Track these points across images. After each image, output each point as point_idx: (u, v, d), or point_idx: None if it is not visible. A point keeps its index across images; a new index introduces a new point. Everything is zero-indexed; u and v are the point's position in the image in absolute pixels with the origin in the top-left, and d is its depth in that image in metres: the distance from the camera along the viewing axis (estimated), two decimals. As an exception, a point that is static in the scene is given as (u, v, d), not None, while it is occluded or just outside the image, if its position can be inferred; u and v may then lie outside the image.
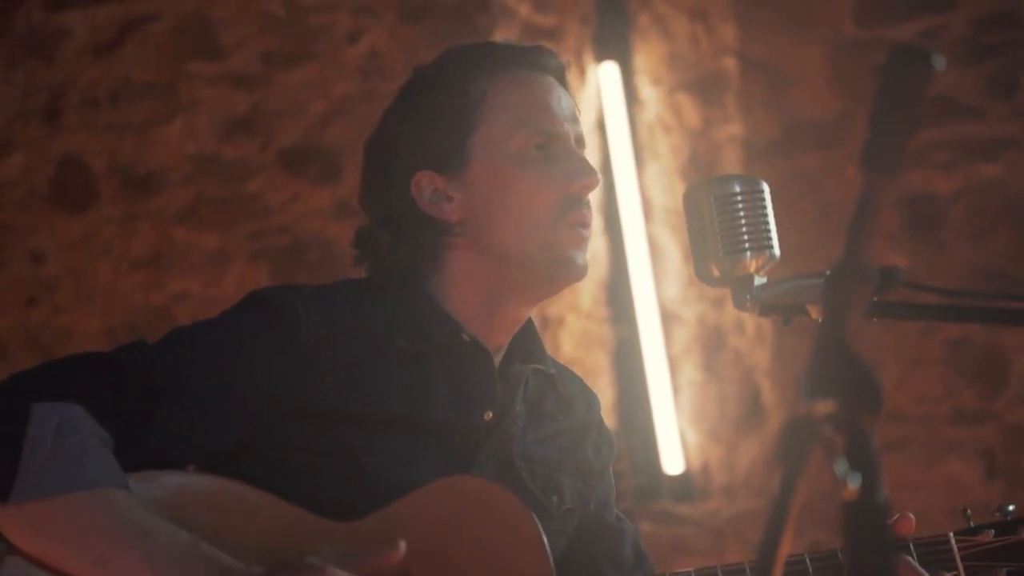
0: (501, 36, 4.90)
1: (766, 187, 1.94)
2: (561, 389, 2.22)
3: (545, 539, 2.00)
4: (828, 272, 1.80)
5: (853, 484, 1.19)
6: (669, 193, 5.02)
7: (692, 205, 1.94)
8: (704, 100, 4.96)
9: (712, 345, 5.00)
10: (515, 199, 2.09)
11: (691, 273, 4.91)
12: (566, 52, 5.05)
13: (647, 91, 5.06)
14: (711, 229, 1.91)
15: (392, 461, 2.02)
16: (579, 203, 2.11)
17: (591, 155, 4.96)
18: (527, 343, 2.20)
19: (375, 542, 1.94)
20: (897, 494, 4.63)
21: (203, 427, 1.97)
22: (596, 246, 5.03)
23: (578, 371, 4.90)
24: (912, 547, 2.09)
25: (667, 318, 5.01)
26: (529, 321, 2.20)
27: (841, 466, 1.19)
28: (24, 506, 1.82)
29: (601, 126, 5.09)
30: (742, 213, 1.91)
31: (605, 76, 5.08)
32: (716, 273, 1.93)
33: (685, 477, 4.97)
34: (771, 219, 1.92)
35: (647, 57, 5.06)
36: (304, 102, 4.88)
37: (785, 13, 4.85)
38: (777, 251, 1.92)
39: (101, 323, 4.88)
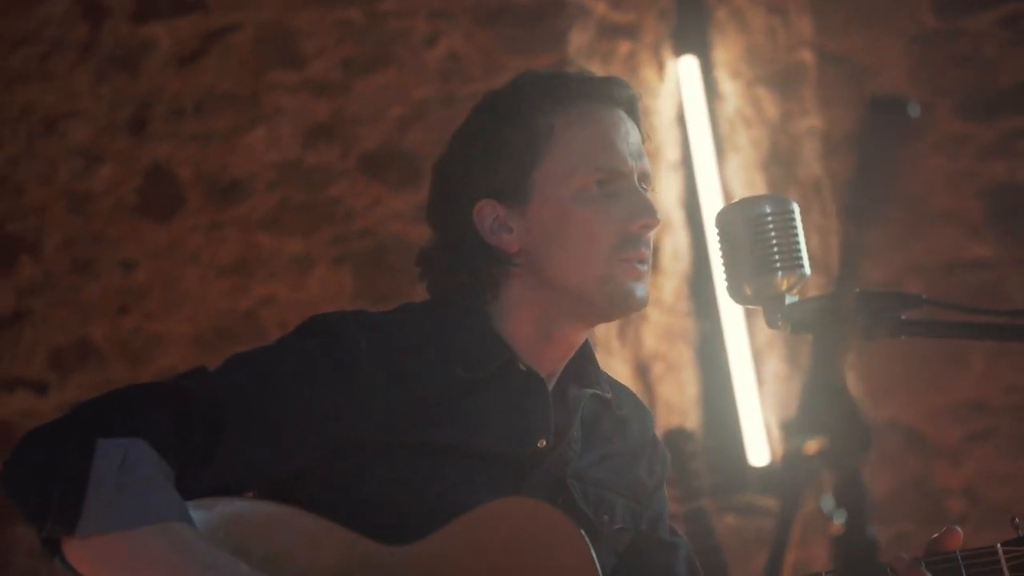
0: (577, 36, 4.92)
1: (796, 207, 1.95)
2: (616, 410, 2.24)
3: (596, 557, 2.02)
4: (858, 291, 1.82)
5: (838, 520, 1.22)
6: (750, 187, 5.01)
7: (724, 226, 1.97)
8: (782, 93, 4.95)
9: (795, 337, 4.98)
10: (574, 236, 2.10)
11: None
12: (644, 48, 5.06)
13: (727, 85, 5.06)
14: (743, 250, 1.93)
15: (448, 487, 2.05)
16: (636, 241, 2.11)
17: (672, 149, 5.03)
18: (583, 365, 2.22)
19: (428, 566, 1.99)
20: (985, 486, 4.61)
21: (265, 455, 2.01)
22: (678, 240, 5.04)
23: (661, 366, 4.98)
24: (960, 558, 2.10)
25: (750, 311, 5.01)
26: (586, 342, 2.22)
27: (827, 503, 1.23)
28: (89, 539, 1.88)
29: (681, 120, 5.10)
30: (773, 234, 1.93)
31: (684, 70, 5.08)
32: (748, 292, 1.95)
33: (770, 469, 4.97)
34: (801, 238, 1.94)
35: (726, 51, 5.05)
36: (383, 107, 4.93)
37: (862, 5, 4.81)
38: (808, 270, 1.94)
39: (190, 329, 4.98)
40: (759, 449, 4.97)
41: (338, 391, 2.02)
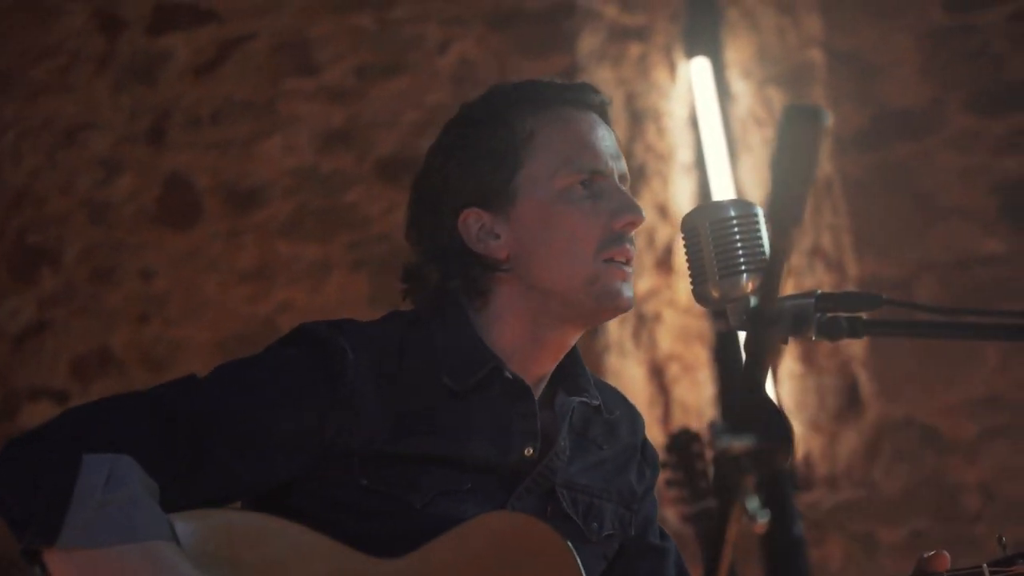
0: (588, 40, 4.96)
1: (760, 210, 1.97)
2: (606, 415, 2.26)
3: (581, 565, 2.02)
4: (818, 292, 1.84)
5: (762, 519, 1.25)
6: (763, 187, 5.04)
7: (689, 231, 1.98)
8: (793, 92, 4.97)
9: (810, 336, 5.00)
10: (560, 236, 2.13)
11: (788, 266, 4.94)
12: (655, 50, 5.10)
13: (738, 85, 5.09)
14: (708, 253, 1.95)
15: (435, 498, 2.06)
16: (621, 239, 2.13)
17: (685, 151, 5.06)
18: (572, 372, 2.23)
19: None
20: (1001, 482, 4.62)
21: (250, 468, 2.02)
22: (693, 241, 5.06)
23: (677, 367, 5.01)
24: None
25: (765, 310, 5.02)
26: (574, 349, 2.23)
27: (752, 503, 1.26)
28: (72, 553, 1.89)
29: (694, 122, 5.13)
30: (738, 237, 1.94)
31: (696, 71, 5.12)
32: (715, 295, 1.95)
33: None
34: (766, 241, 1.95)
35: (737, 51, 5.08)
36: (398, 112, 4.98)
37: (871, 2, 4.83)
38: None
39: (211, 336, 5.02)
40: (777, 448, 4.99)
41: (324, 402, 2.03)
